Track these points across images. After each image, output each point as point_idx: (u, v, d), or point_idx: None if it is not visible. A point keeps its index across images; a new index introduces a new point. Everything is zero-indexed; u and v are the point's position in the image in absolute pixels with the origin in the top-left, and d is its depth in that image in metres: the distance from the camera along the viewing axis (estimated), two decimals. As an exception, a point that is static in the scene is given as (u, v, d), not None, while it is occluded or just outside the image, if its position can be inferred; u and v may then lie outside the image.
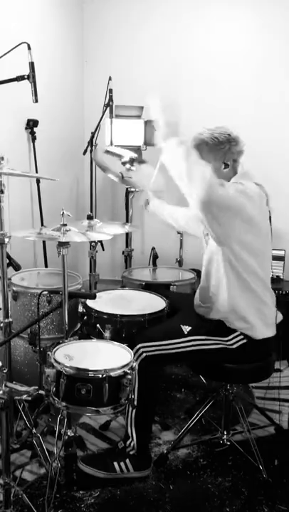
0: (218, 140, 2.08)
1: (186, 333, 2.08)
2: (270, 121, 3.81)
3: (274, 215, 2.13)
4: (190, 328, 2.10)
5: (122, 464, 2.09)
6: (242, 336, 2.08)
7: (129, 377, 1.82)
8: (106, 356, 1.95)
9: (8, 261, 2.34)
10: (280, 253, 3.55)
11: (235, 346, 2.07)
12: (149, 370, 2.05)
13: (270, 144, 3.76)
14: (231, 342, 2.08)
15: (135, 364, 2.02)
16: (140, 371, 2.03)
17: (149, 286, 2.80)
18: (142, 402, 2.06)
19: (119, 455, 2.13)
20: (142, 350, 2.04)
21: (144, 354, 2.04)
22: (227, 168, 2.11)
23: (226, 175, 2.12)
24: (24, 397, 1.64)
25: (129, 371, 1.83)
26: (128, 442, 2.12)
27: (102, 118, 3.59)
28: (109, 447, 2.34)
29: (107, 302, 2.45)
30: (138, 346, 2.05)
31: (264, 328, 2.09)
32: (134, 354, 2.03)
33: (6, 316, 2.27)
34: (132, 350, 1.99)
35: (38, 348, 2.25)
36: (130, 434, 2.11)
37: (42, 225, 3.46)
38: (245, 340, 2.07)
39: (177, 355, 2.07)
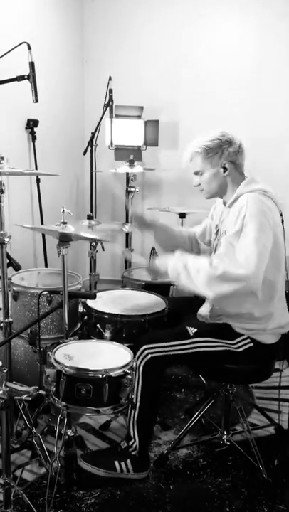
0: (209, 147, 2.07)
1: (191, 334, 2.07)
2: (271, 121, 3.81)
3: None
4: (196, 329, 2.09)
5: (122, 463, 2.09)
6: (248, 340, 2.07)
7: (130, 377, 1.82)
8: (106, 356, 1.95)
9: (8, 261, 2.34)
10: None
11: (240, 350, 2.07)
12: (153, 371, 2.04)
13: (270, 144, 3.77)
14: (237, 345, 2.07)
15: (140, 365, 2.02)
16: (144, 373, 2.02)
17: (149, 286, 2.80)
18: (144, 403, 2.06)
19: (120, 454, 2.12)
20: (147, 351, 2.02)
21: (150, 355, 2.02)
22: (226, 171, 2.10)
23: (230, 178, 2.11)
24: (24, 397, 1.63)
25: (129, 371, 1.83)
26: (130, 443, 2.12)
27: (102, 118, 3.60)
28: (110, 446, 2.34)
29: (107, 302, 2.45)
30: (143, 347, 2.03)
31: (273, 334, 2.10)
32: (139, 355, 2.03)
33: (6, 316, 2.27)
34: (132, 350, 1.98)
35: (38, 348, 2.25)
36: (132, 436, 2.11)
37: (42, 224, 3.46)
38: (251, 344, 2.07)
39: (182, 357, 2.05)
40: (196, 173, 2.14)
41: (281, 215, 2.07)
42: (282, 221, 2.08)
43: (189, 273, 1.93)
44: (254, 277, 1.86)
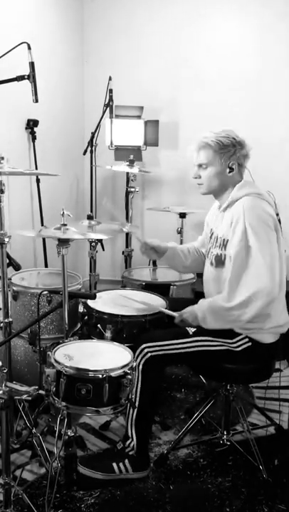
0: (223, 144, 2.06)
1: (191, 333, 2.07)
2: (271, 122, 3.81)
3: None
4: (195, 329, 2.09)
5: (120, 464, 2.09)
6: (247, 339, 2.07)
7: (130, 377, 1.82)
8: (106, 356, 1.95)
9: (8, 261, 2.34)
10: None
11: (239, 349, 2.07)
12: (153, 370, 2.05)
13: (270, 145, 3.77)
14: (236, 344, 2.07)
15: (139, 364, 2.03)
16: (143, 371, 2.03)
17: (149, 286, 2.79)
18: (143, 402, 2.06)
19: (118, 456, 2.12)
20: (146, 350, 2.03)
21: (149, 354, 2.02)
22: (232, 172, 2.10)
23: (231, 179, 2.12)
24: (24, 397, 1.63)
25: (129, 371, 1.83)
26: (128, 443, 2.12)
27: (102, 118, 3.59)
28: (107, 448, 2.34)
29: (108, 302, 2.45)
30: (143, 346, 2.04)
31: (271, 334, 2.10)
32: (139, 354, 2.03)
33: (6, 316, 2.28)
34: (132, 350, 1.98)
35: (38, 348, 2.25)
36: (130, 435, 2.11)
37: (42, 225, 3.46)
38: (250, 344, 2.07)
39: (181, 356, 2.06)
40: (199, 166, 2.12)
41: (277, 215, 2.07)
42: (279, 221, 2.09)
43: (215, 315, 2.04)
44: (271, 292, 1.93)
